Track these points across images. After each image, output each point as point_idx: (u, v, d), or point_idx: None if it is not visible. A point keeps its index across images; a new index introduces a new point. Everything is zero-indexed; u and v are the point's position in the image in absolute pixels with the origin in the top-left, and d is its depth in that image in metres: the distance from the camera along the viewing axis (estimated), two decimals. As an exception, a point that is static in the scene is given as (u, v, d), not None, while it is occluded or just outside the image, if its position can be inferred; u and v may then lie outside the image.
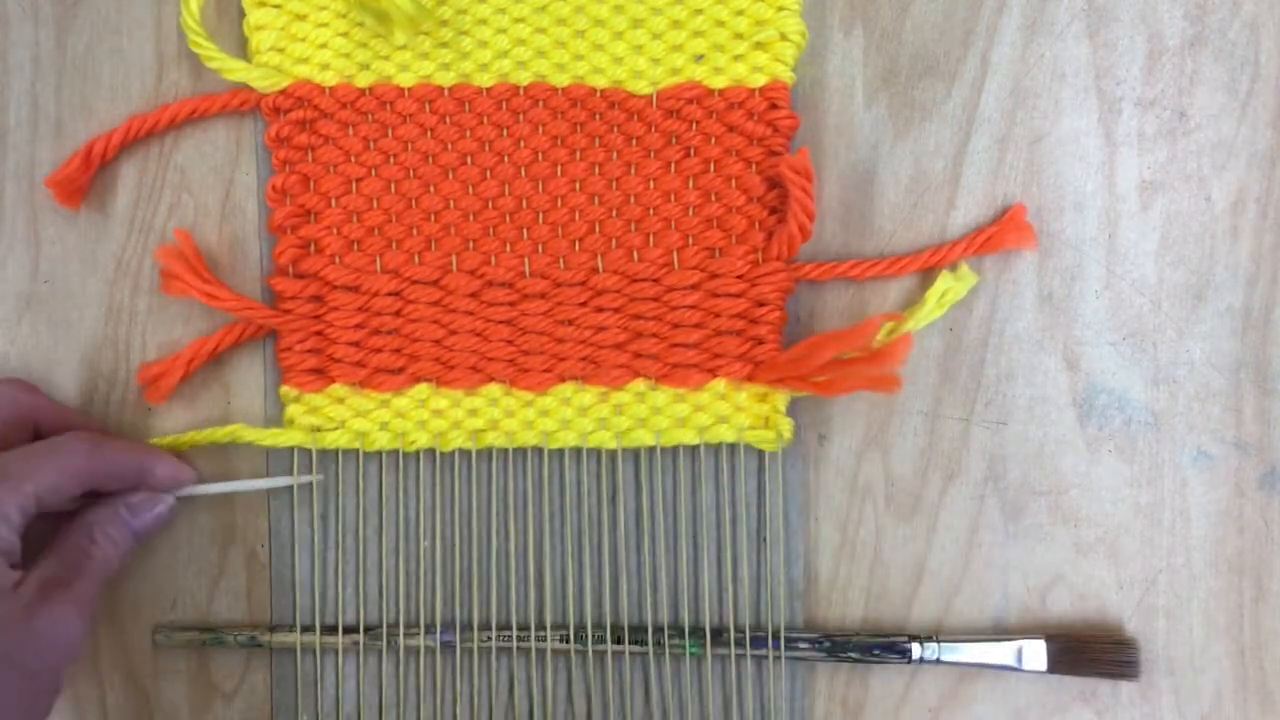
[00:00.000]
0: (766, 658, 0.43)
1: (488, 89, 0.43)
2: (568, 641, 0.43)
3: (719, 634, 0.43)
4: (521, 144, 0.43)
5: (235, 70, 0.43)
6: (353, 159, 0.43)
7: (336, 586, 0.44)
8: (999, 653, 0.43)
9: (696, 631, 0.43)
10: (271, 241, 0.44)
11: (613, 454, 0.44)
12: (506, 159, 0.43)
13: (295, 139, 0.43)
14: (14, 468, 0.37)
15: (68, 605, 0.37)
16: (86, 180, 0.43)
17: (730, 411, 0.43)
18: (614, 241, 0.44)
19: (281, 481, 0.43)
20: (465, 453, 0.44)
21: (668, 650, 0.43)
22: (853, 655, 0.43)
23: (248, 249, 0.44)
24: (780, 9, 0.43)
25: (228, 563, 0.44)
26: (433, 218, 0.44)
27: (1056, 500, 0.44)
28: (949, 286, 0.43)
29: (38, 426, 0.41)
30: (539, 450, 0.44)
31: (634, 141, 0.44)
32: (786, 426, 0.43)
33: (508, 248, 0.43)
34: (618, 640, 0.43)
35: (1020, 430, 0.44)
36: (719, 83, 0.43)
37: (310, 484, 0.43)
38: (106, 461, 0.39)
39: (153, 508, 0.41)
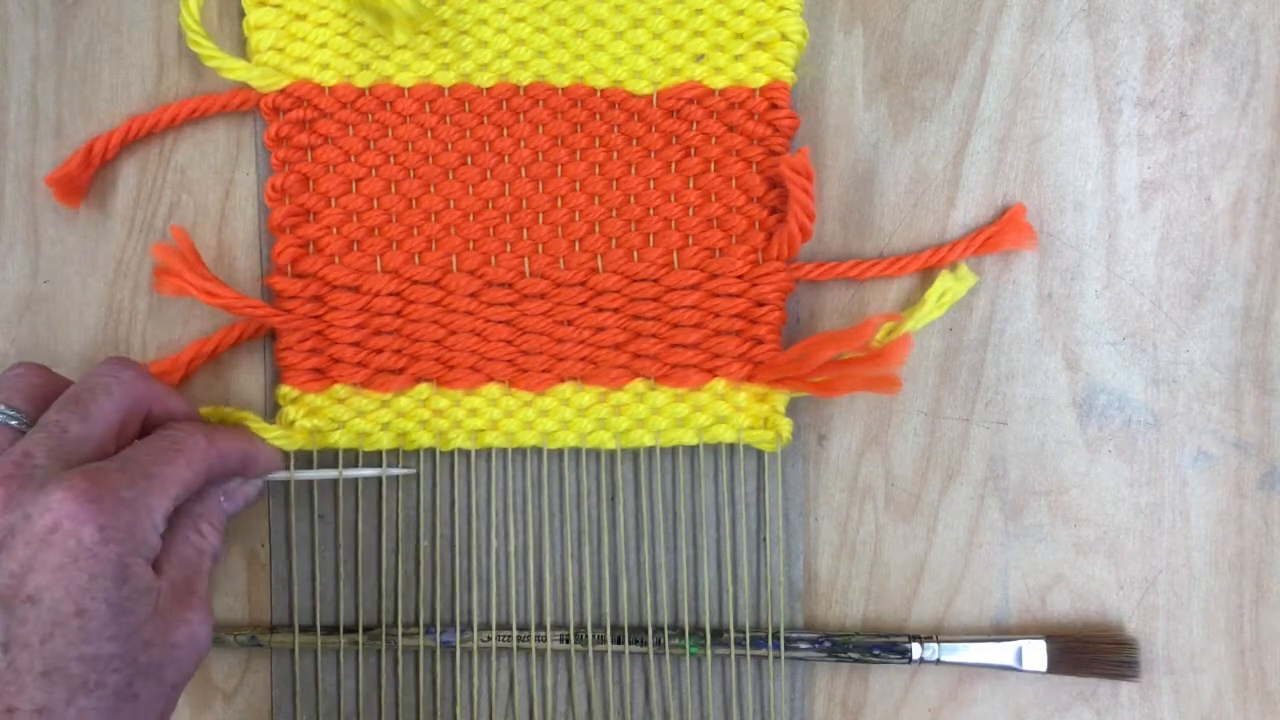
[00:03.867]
0: (766, 658, 0.43)
1: (488, 89, 0.43)
2: (568, 641, 0.43)
3: (719, 634, 0.43)
4: (522, 144, 0.43)
5: (234, 69, 0.43)
6: (352, 159, 0.43)
7: (336, 586, 0.44)
8: (999, 653, 0.43)
9: (696, 631, 0.43)
10: (272, 242, 0.44)
11: (612, 454, 0.44)
12: (506, 159, 0.43)
13: (295, 138, 0.43)
14: (156, 470, 0.36)
15: (201, 612, 0.36)
16: (86, 179, 0.43)
17: (730, 411, 0.43)
18: (614, 241, 0.44)
19: (368, 472, 0.43)
20: (465, 453, 0.44)
21: (668, 650, 0.43)
22: (853, 655, 0.43)
23: (248, 249, 0.44)
24: (781, 9, 0.43)
25: (228, 563, 0.44)
26: (433, 218, 0.44)
27: (1056, 500, 0.44)
28: (949, 286, 0.43)
29: (149, 413, 0.39)
30: (538, 450, 0.44)
31: (634, 141, 0.44)
32: (786, 426, 0.43)
33: (508, 248, 0.43)
34: (618, 640, 0.43)
35: (1020, 430, 0.44)
36: (719, 82, 0.43)
37: (398, 477, 0.43)
38: (222, 454, 0.39)
39: (245, 492, 0.41)
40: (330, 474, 0.43)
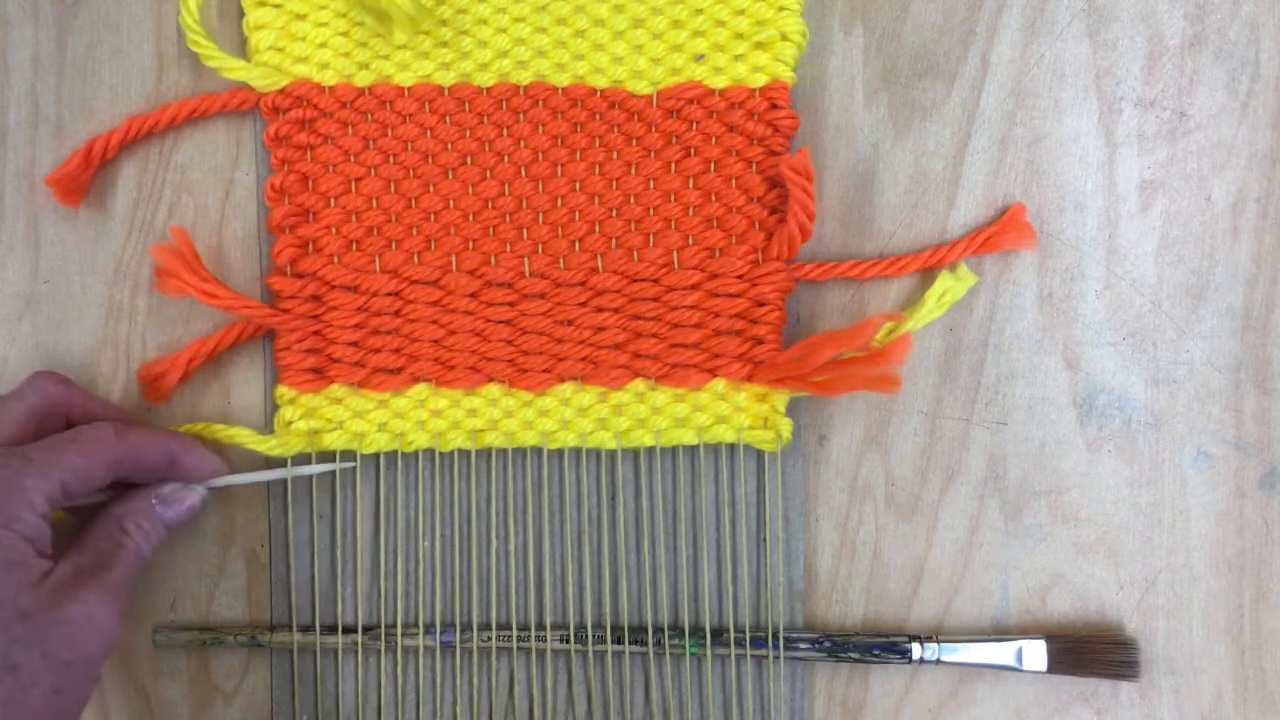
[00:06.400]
0: (766, 658, 0.43)
1: (488, 89, 0.43)
2: (568, 641, 0.43)
3: (719, 634, 0.43)
4: (521, 144, 0.43)
5: (234, 69, 0.43)
6: (352, 158, 0.43)
7: (336, 586, 0.44)
8: (999, 653, 0.43)
9: (696, 631, 0.43)
10: (271, 241, 0.44)
11: (612, 454, 0.44)
12: (506, 159, 0.43)
13: (294, 138, 0.43)
14: (40, 455, 0.37)
15: (101, 593, 0.36)
16: (86, 179, 0.43)
17: (730, 411, 0.43)
18: (614, 241, 0.44)
19: (316, 469, 0.43)
20: (465, 453, 0.44)
21: (668, 650, 0.43)
22: (853, 655, 0.43)
23: (248, 249, 0.44)
24: (781, 9, 0.43)
25: (228, 563, 0.44)
26: (432, 217, 0.44)
27: (1056, 500, 0.44)
28: (949, 286, 0.43)
29: (69, 418, 0.40)
30: (538, 450, 0.44)
31: (634, 141, 0.44)
32: (786, 426, 0.43)
33: (507, 248, 0.43)
34: (618, 640, 0.43)
35: (1020, 430, 0.44)
36: (719, 83, 0.43)
37: (335, 473, 0.43)
38: (133, 448, 0.39)
39: (183, 499, 0.40)
40: (278, 474, 0.42)
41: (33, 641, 0.35)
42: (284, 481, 0.43)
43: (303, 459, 0.43)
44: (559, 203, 0.44)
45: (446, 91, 0.43)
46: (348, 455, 0.43)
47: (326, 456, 0.43)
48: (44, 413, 0.39)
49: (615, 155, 0.44)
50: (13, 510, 0.35)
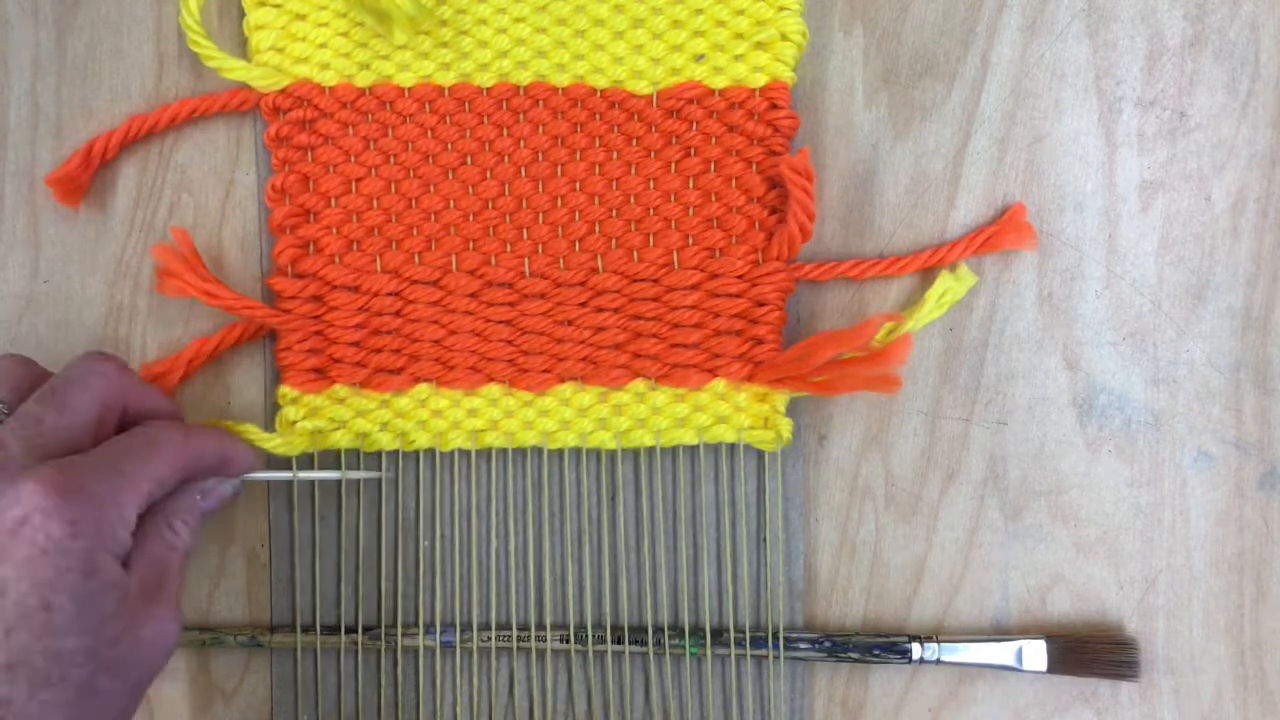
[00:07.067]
0: (766, 658, 0.43)
1: (488, 89, 0.43)
2: (568, 641, 0.43)
3: (719, 634, 0.43)
4: (521, 144, 0.43)
5: (234, 69, 0.43)
6: (352, 159, 0.43)
7: (337, 586, 0.44)
8: (999, 653, 0.43)
9: (696, 631, 0.43)
10: (272, 242, 0.44)
11: (612, 454, 0.44)
12: (506, 159, 0.43)
13: (295, 138, 0.43)
14: (128, 466, 0.35)
15: (167, 608, 0.35)
16: (86, 179, 0.43)
17: (730, 411, 0.43)
18: (614, 241, 0.44)
19: (344, 475, 0.43)
20: (465, 453, 0.44)
21: (668, 650, 0.43)
22: (853, 655, 0.43)
23: (248, 249, 0.44)
24: (781, 9, 0.43)
25: (228, 563, 0.44)
26: (433, 218, 0.44)
27: (1056, 500, 0.44)
28: (949, 286, 0.43)
29: (126, 407, 0.39)
30: (539, 450, 0.44)
31: (634, 141, 0.44)
32: (786, 426, 0.43)
33: (508, 248, 0.43)
34: (618, 640, 0.43)
35: (1020, 430, 0.44)
36: (719, 83, 0.43)
37: (377, 480, 0.43)
38: (198, 451, 0.38)
39: (220, 490, 0.40)
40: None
41: (116, 666, 0.34)
42: (285, 481, 0.43)
43: (306, 458, 0.43)
44: (559, 203, 0.44)
45: (447, 92, 0.43)
46: (351, 454, 0.43)
47: (329, 455, 0.43)
48: (111, 403, 0.37)
49: (615, 155, 0.44)
50: (111, 530, 0.34)
